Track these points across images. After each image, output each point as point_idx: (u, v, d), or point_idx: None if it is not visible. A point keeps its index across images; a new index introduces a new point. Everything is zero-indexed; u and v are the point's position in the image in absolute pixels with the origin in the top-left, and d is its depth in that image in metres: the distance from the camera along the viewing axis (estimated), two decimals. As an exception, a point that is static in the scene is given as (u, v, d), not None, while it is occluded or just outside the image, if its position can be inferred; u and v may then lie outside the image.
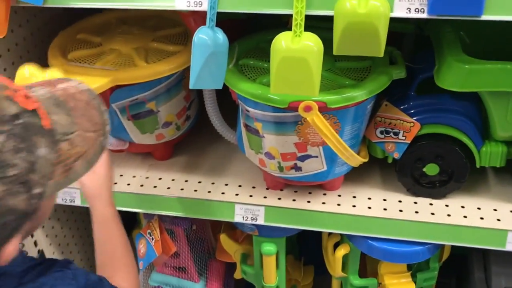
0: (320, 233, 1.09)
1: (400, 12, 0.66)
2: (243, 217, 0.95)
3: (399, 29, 0.97)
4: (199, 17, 0.81)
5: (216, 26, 0.72)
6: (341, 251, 0.98)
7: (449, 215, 0.89)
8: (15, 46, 0.99)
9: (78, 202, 0.99)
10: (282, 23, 0.93)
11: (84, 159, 0.56)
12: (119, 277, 0.74)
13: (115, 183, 0.98)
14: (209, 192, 0.97)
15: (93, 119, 0.58)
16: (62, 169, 0.53)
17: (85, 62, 0.94)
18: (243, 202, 0.94)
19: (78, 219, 1.31)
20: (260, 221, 0.95)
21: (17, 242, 0.52)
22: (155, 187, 0.98)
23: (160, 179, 1.01)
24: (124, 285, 0.74)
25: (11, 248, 0.52)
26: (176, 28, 1.03)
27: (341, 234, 1.00)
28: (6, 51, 0.97)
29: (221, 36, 0.71)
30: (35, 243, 1.12)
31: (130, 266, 0.79)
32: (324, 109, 0.77)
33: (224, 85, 0.81)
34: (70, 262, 0.67)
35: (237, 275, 1.16)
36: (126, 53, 0.96)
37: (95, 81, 0.84)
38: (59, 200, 1.00)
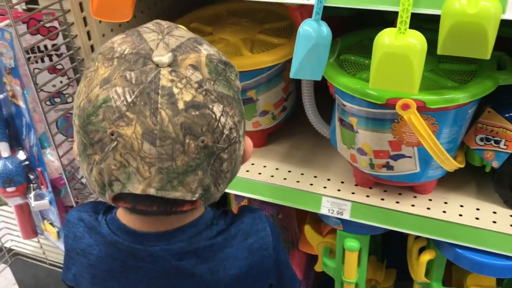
0: (405, 238, 1.08)
1: (513, 14, 0.64)
2: (329, 209, 0.97)
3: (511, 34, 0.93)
4: (305, 11, 0.84)
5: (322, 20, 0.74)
6: (426, 256, 0.96)
7: (548, 233, 0.84)
8: (136, 30, 1.09)
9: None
10: (387, 22, 0.93)
11: None
12: None
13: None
14: (298, 182, 1.00)
15: None
16: None
17: (195, 49, 1.01)
18: (331, 195, 0.96)
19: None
20: (346, 216, 0.96)
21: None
22: (247, 171, 1.03)
23: (252, 164, 1.05)
24: None
25: (250, 142, 0.64)
26: (282, 22, 1.07)
27: (427, 239, 0.98)
28: (128, 35, 1.07)
29: (325, 29, 0.74)
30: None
31: None
32: (422, 109, 0.77)
33: (322, 81, 0.83)
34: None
35: (318, 267, 1.18)
36: (234, 43, 1.01)
37: (204, 66, 0.90)
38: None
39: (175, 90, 0.51)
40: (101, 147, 0.52)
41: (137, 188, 0.52)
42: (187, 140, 0.51)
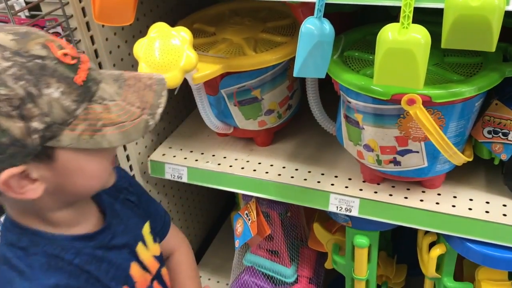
0: (415, 233, 1.07)
1: (517, 5, 0.64)
2: (337, 207, 0.96)
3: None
4: (307, 9, 0.84)
5: (324, 18, 0.74)
6: (437, 251, 0.95)
7: (560, 225, 0.83)
8: (139, 33, 1.09)
9: (185, 179, 1.07)
10: (391, 17, 0.92)
11: (119, 129, 0.59)
12: None
13: (219, 164, 1.05)
14: (305, 180, 1.00)
15: (145, 98, 0.61)
16: (88, 127, 0.57)
17: (199, 50, 1.01)
18: (338, 192, 0.96)
19: (183, 196, 1.41)
20: (354, 213, 0.95)
21: (11, 174, 0.55)
22: (254, 170, 1.03)
23: (259, 163, 1.06)
24: None
25: (3, 177, 0.55)
26: (285, 20, 1.07)
27: (437, 234, 0.98)
28: (131, 37, 1.08)
29: (327, 26, 0.73)
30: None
31: None
32: (428, 104, 0.76)
33: (327, 78, 0.82)
34: None
35: (328, 264, 1.18)
36: (237, 43, 1.01)
37: (208, 67, 0.90)
38: (167, 176, 1.09)
39: None
40: None
41: None
42: None
